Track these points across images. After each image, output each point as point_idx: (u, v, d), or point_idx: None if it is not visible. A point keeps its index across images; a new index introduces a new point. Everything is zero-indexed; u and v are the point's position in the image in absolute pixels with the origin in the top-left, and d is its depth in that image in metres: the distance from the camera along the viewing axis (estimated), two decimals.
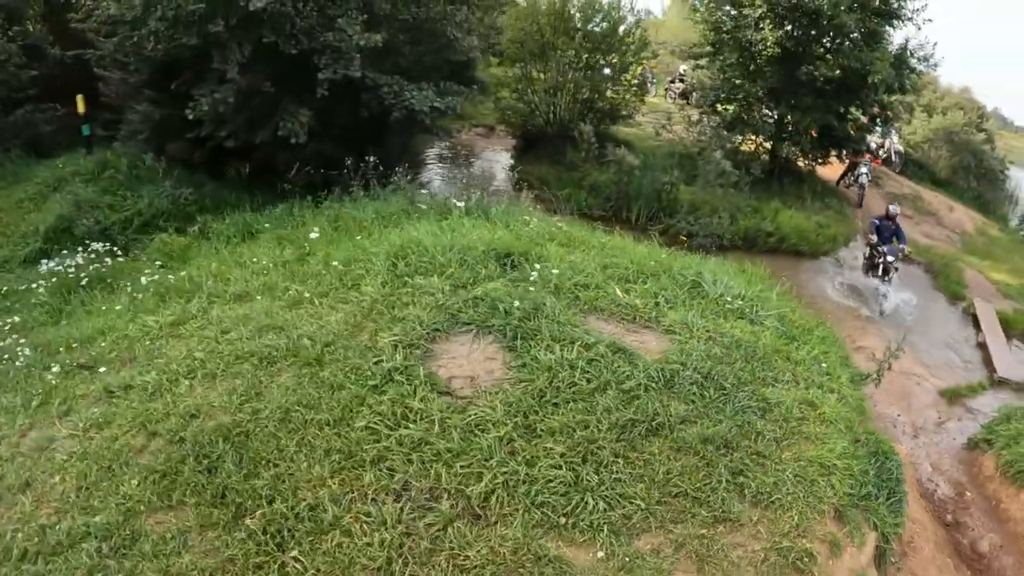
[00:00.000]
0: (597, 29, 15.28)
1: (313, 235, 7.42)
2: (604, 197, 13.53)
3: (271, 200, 10.39)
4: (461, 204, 7.94)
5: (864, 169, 15.91)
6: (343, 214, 8.55)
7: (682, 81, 21.45)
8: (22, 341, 6.28)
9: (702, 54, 16.46)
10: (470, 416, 4.28)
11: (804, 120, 14.93)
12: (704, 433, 4.41)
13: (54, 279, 8.04)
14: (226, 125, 10.10)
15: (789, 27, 14.53)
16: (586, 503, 3.81)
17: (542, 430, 4.26)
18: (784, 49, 14.50)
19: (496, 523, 3.64)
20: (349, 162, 9.83)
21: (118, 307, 6.68)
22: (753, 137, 16.05)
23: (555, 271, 5.70)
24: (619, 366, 4.75)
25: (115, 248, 9.08)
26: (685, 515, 3.88)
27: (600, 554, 3.58)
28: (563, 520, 3.69)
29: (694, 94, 18.23)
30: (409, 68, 11.29)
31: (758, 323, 5.92)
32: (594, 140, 14.43)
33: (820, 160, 16.25)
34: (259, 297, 6.01)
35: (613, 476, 4.02)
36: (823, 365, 5.71)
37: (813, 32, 14.74)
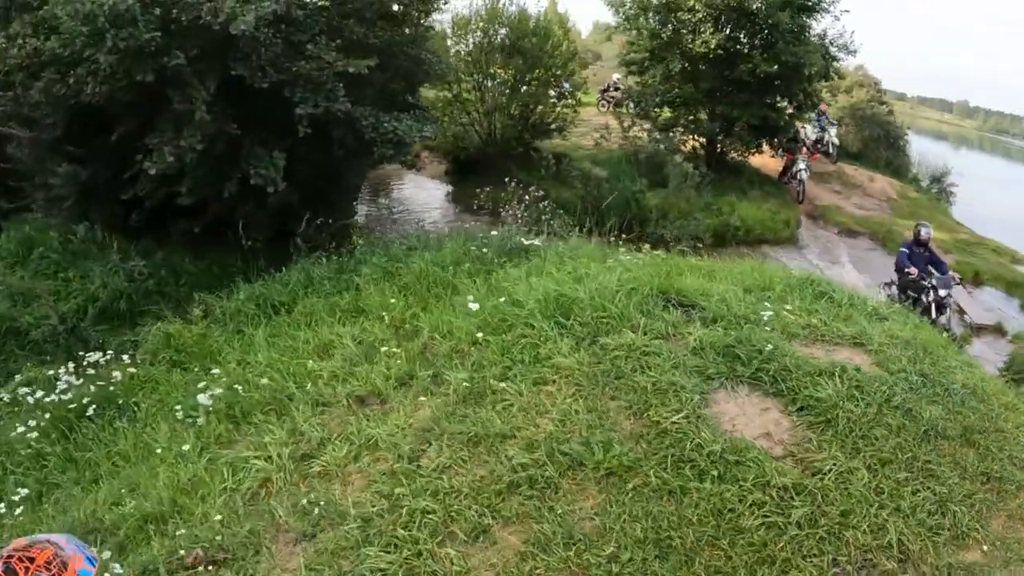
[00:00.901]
0: (528, 44, 16.69)
1: (392, 300, 7.10)
2: (572, 213, 13.49)
3: (234, 261, 9.91)
4: (536, 242, 7.78)
5: (802, 165, 17.78)
6: (396, 268, 8.09)
7: (617, 90, 23.78)
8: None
9: (637, 61, 18.36)
10: (827, 474, 4.25)
11: (742, 115, 17.31)
12: (964, 424, 4.87)
13: (46, 414, 6.12)
14: (184, 178, 9.34)
15: (727, 30, 16.96)
16: None
17: (902, 462, 4.46)
18: (723, 50, 16.84)
19: None
20: (309, 213, 9.90)
21: (179, 446, 5.23)
22: (688, 137, 18.43)
23: (726, 303, 5.82)
24: (875, 385, 4.92)
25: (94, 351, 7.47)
26: None
27: None
28: None
29: (628, 102, 18.86)
30: (377, 97, 10.48)
31: (894, 320, 6.40)
32: (551, 156, 16.05)
33: (754, 151, 18.87)
34: (399, 394, 5.33)
35: None
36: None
37: (750, 32, 17.13)
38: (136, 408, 6.13)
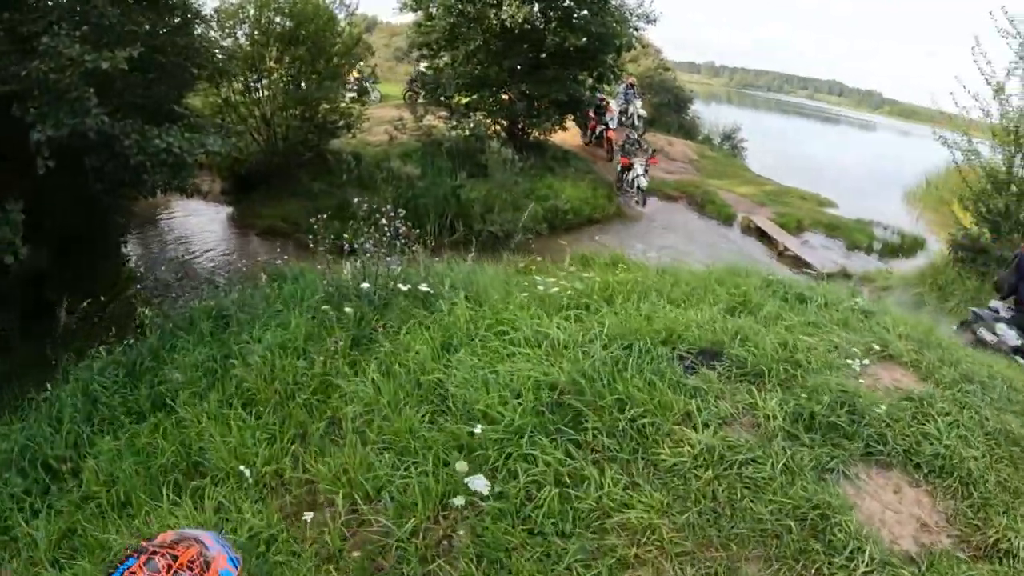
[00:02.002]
0: (309, 32, 15.15)
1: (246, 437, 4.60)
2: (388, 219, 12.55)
3: None
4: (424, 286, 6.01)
5: (640, 170, 16.83)
6: (226, 366, 5.56)
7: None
8: None
9: (429, 44, 17.69)
10: None
11: (549, 92, 17.07)
12: None
13: None
14: None
15: (535, 4, 16.36)
16: None
17: None
18: (530, 25, 16.20)
19: None
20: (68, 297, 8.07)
21: None
22: (491, 120, 17.70)
23: (752, 345, 4.76)
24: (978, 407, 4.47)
25: None
26: None
27: None
28: None
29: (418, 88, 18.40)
30: (141, 105, 8.80)
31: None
32: (351, 159, 14.66)
33: (558, 128, 18.59)
34: None
35: None
36: None
37: (557, 5, 16.71)
38: None
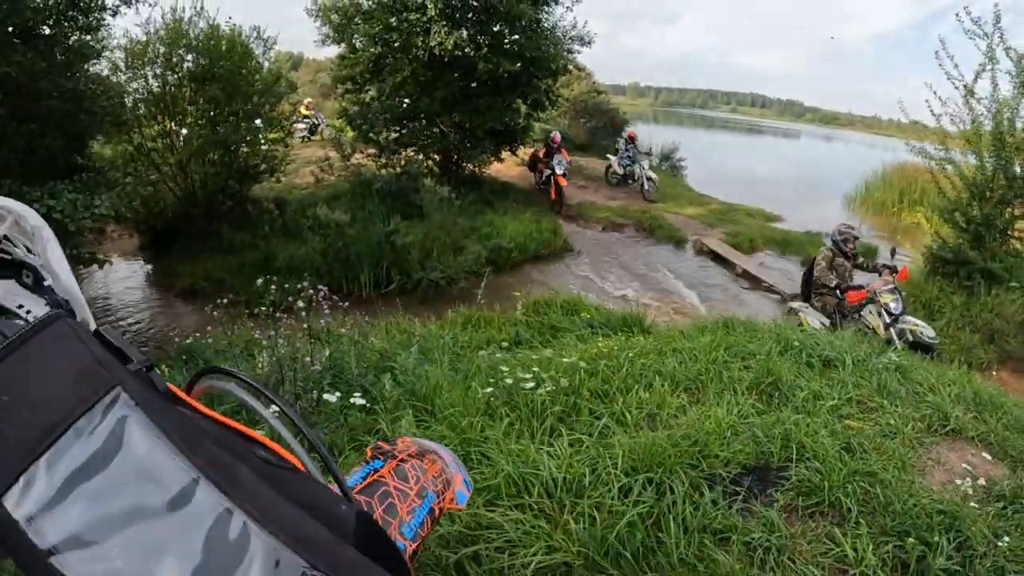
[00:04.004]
0: (224, 69, 13.69)
1: None
2: (318, 273, 11.10)
3: None
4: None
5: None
6: None
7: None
8: None
9: (353, 77, 16.57)
10: None
11: (483, 122, 16.07)
12: None
13: None
14: None
15: (465, 29, 15.39)
16: None
17: None
18: (461, 51, 15.22)
19: None
20: None
21: None
22: (424, 155, 16.68)
23: (814, 456, 3.72)
24: None
25: None
26: None
27: None
28: None
29: (321, 127, 16.69)
30: (22, 162, 7.58)
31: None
32: (274, 207, 13.65)
33: (493, 159, 17.60)
34: None
35: None
36: None
37: (488, 29, 15.76)
38: None
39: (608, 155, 20.40)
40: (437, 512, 1.52)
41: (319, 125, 17.99)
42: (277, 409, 1.06)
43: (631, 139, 19.90)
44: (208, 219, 13.61)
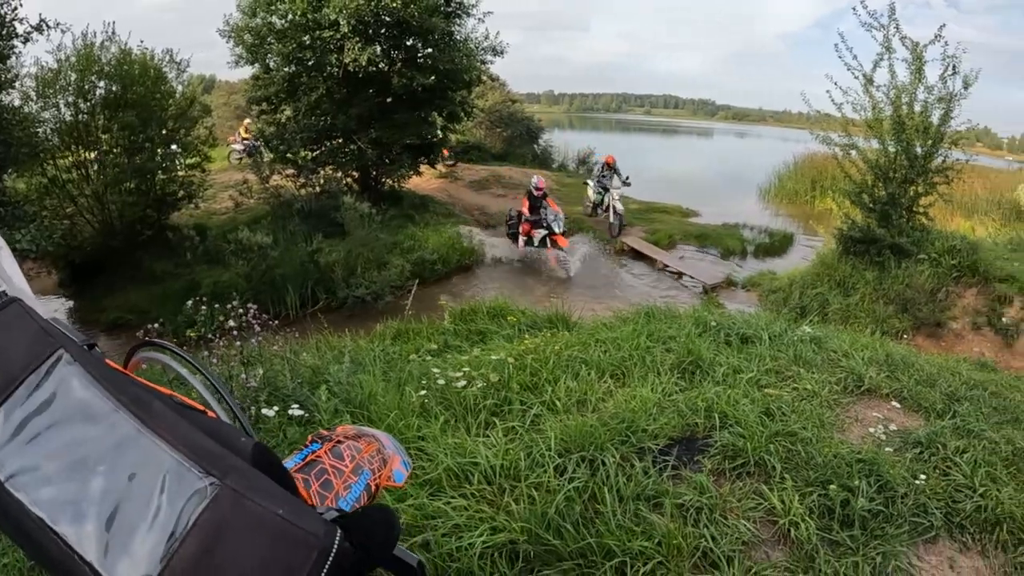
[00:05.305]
0: (138, 95, 13.58)
1: None
2: (244, 297, 11.00)
3: None
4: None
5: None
6: None
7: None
8: None
9: (268, 98, 16.39)
10: None
11: (401, 136, 16.18)
12: None
13: None
14: None
15: (378, 44, 15.44)
16: None
17: None
18: (375, 67, 15.37)
19: None
20: None
21: None
22: (342, 172, 16.78)
23: (735, 420, 3.95)
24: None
25: None
26: None
27: None
28: None
29: (261, 148, 16.47)
30: None
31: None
32: (194, 233, 13.29)
33: (412, 173, 17.67)
34: None
35: None
36: None
37: (401, 43, 15.97)
38: None
39: (587, 181, 19.05)
40: (374, 488, 1.61)
41: (259, 146, 17.69)
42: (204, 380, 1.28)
43: (608, 165, 17.79)
44: (128, 250, 13.35)
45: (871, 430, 4.07)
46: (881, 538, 3.13)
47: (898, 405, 4.57)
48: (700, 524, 3.01)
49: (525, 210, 14.94)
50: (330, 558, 0.80)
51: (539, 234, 14.52)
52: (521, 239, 14.90)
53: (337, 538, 0.82)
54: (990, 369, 6.53)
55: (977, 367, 6.40)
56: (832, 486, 3.25)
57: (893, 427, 4.16)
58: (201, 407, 1.03)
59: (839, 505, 3.21)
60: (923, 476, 3.59)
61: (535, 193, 14.87)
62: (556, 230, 14.35)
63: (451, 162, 21.39)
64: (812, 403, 4.28)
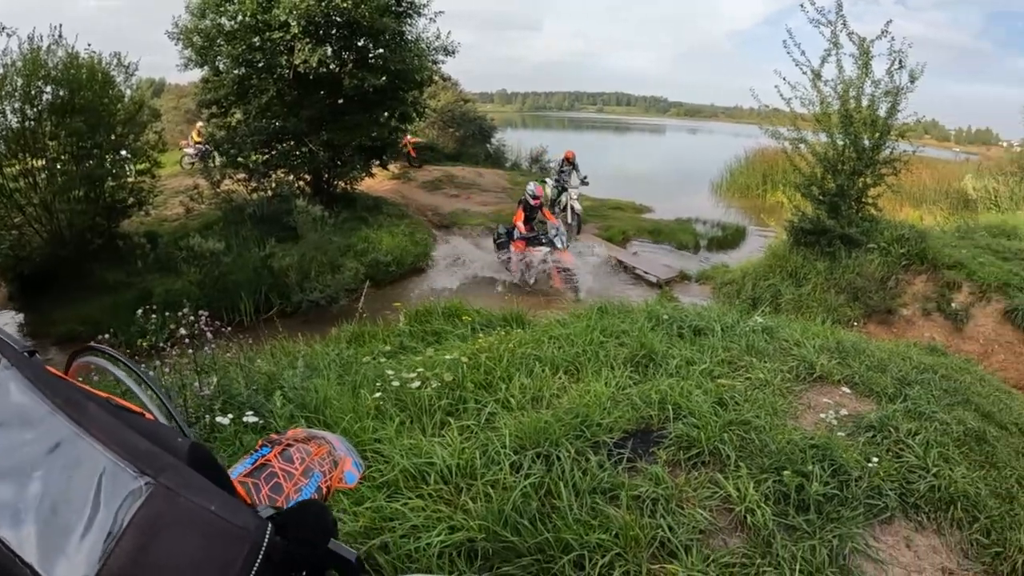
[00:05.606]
0: (86, 99, 13.12)
1: None
2: (197, 305, 10.76)
3: None
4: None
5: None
6: None
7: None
8: None
9: (218, 101, 16.05)
10: None
11: (353, 138, 16.02)
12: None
13: None
14: None
15: (330, 45, 15.27)
16: None
17: None
18: (327, 68, 15.23)
19: None
20: None
21: None
22: (294, 176, 16.55)
23: (683, 409, 4.00)
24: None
25: None
26: None
27: None
28: None
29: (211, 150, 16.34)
30: None
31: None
32: (145, 241, 13.19)
33: (365, 175, 17.55)
34: None
35: None
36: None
37: (352, 44, 15.83)
38: None
39: (546, 179, 17.88)
40: (326, 491, 1.61)
41: (211, 150, 17.36)
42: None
43: (568, 160, 16.99)
44: (79, 260, 12.95)
45: (823, 416, 4.14)
46: (837, 521, 3.19)
47: (850, 391, 4.64)
48: (657, 515, 3.05)
49: (519, 223, 13.47)
50: (261, 551, 0.81)
51: (540, 252, 12.97)
52: (514, 259, 13.29)
53: (268, 532, 0.84)
54: (940, 353, 6.66)
55: (927, 351, 6.52)
56: (786, 472, 3.32)
57: (845, 412, 4.23)
58: (139, 409, 1.03)
59: (794, 490, 3.30)
60: (876, 459, 3.66)
61: (531, 203, 13.48)
62: (559, 246, 12.82)
63: (417, 164, 21.32)
64: (765, 392, 4.35)
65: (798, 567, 2.89)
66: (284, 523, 0.95)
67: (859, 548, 3.13)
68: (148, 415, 1.05)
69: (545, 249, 12.89)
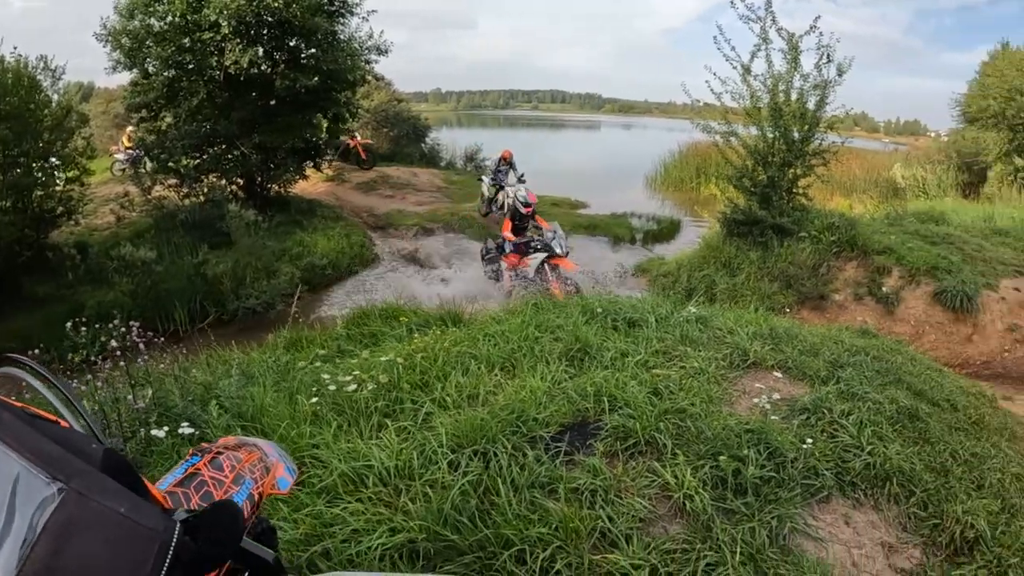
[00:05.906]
0: (11, 106, 12.63)
1: None
2: (130, 316, 10.48)
3: None
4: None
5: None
6: None
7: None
8: None
9: (147, 104, 15.63)
10: None
11: (285, 141, 15.93)
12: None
13: None
14: None
15: (260, 45, 15.15)
16: None
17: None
18: (257, 69, 15.12)
19: None
20: None
21: None
22: (224, 180, 16.15)
23: (622, 400, 4.04)
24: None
25: None
26: None
27: None
28: None
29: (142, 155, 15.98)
30: None
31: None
32: (76, 252, 12.70)
33: (299, 177, 17.43)
34: None
35: None
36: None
37: (282, 44, 15.70)
38: None
39: (480, 178, 18.35)
40: (258, 497, 1.64)
41: (141, 155, 16.80)
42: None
43: (505, 159, 16.96)
44: (8, 273, 12.44)
45: (757, 401, 4.20)
46: (775, 502, 3.27)
47: (783, 375, 4.74)
48: (596, 506, 3.07)
49: (508, 234, 12.35)
50: (170, 550, 0.84)
51: (535, 260, 11.67)
52: (507, 274, 12.07)
53: (176, 532, 0.86)
54: (872, 336, 6.85)
55: (859, 335, 6.70)
56: (723, 457, 3.38)
57: (778, 396, 4.30)
58: (54, 418, 1.07)
59: (731, 475, 3.32)
60: (811, 440, 3.73)
61: (523, 211, 12.37)
62: (559, 251, 11.57)
63: (367, 165, 21.21)
64: (699, 380, 4.41)
65: (739, 549, 2.92)
66: (196, 524, 0.98)
67: (798, 528, 3.21)
68: (63, 423, 1.08)
69: (541, 256, 11.63)
